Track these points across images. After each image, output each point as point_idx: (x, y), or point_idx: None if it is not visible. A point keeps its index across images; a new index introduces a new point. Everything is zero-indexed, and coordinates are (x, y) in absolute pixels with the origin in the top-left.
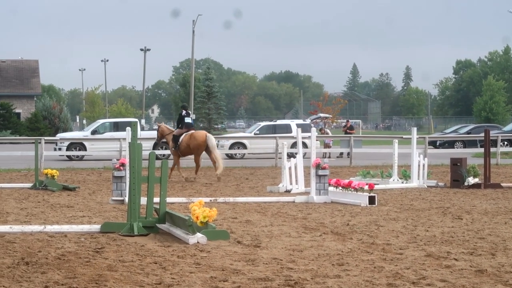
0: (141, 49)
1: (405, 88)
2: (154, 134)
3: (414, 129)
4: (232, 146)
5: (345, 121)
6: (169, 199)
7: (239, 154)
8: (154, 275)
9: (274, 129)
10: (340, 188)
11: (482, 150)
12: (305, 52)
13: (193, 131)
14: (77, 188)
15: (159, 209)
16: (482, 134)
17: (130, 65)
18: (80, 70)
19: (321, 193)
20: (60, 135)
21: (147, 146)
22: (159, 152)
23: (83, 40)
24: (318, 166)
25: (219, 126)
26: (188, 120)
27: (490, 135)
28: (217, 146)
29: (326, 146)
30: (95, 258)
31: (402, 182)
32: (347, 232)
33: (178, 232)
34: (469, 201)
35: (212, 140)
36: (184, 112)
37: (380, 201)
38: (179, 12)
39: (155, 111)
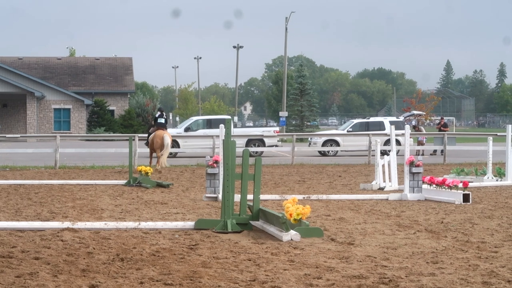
0: (234, 47)
1: (499, 85)
2: (247, 131)
3: (509, 126)
4: (324, 144)
5: (439, 118)
6: (262, 196)
7: (331, 151)
8: (248, 272)
9: (367, 127)
10: (434, 185)
11: None
12: (398, 49)
13: (160, 130)
14: (171, 185)
15: (252, 206)
16: None
17: (223, 62)
18: (173, 67)
19: (414, 191)
20: None
21: (240, 143)
22: (252, 149)
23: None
24: (412, 164)
25: (312, 123)
26: (160, 120)
27: None
28: (311, 143)
29: (420, 143)
30: (189, 255)
31: (497, 180)
32: (441, 230)
33: (271, 229)
34: None
35: (167, 139)
36: (159, 113)
37: (475, 199)
38: (271, 9)
39: (248, 108)
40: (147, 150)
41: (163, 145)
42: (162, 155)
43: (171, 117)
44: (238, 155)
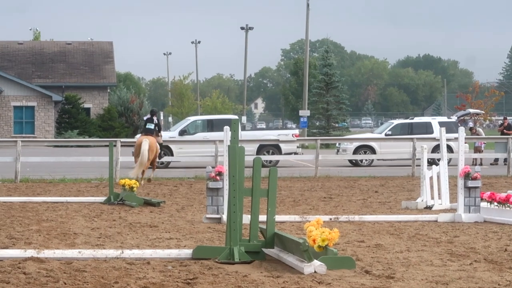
0: (242, 28)
1: None
2: (259, 135)
3: None
4: (356, 150)
5: (502, 118)
6: (278, 217)
7: (365, 160)
8: None
9: (411, 129)
10: (496, 203)
11: None
12: (449, 32)
13: (143, 137)
14: (162, 203)
15: (266, 230)
16: None
17: (228, 48)
18: (165, 54)
19: (471, 210)
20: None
21: (250, 150)
22: (266, 158)
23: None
24: (467, 176)
25: (341, 124)
26: (149, 125)
27: None
28: (339, 149)
29: (477, 150)
30: None
31: None
32: (504, 260)
33: (290, 258)
34: None
35: (144, 145)
36: (148, 116)
37: None
38: None
39: (259, 105)
40: (130, 158)
41: (138, 151)
42: (137, 163)
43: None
44: (247, 165)
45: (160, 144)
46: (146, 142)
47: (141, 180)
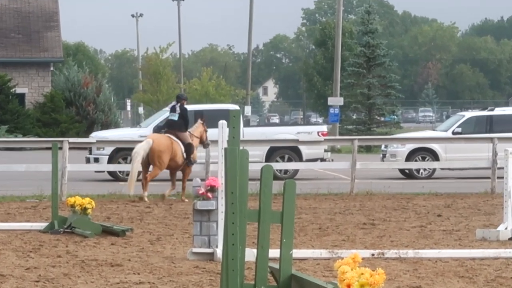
0: None
1: None
2: (270, 132)
3: None
4: (411, 156)
5: None
6: (297, 252)
7: (424, 170)
8: None
9: (490, 124)
10: None
11: None
12: None
13: (168, 134)
14: (129, 231)
15: (279, 271)
16: None
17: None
18: (133, 16)
19: None
20: (97, 135)
21: (258, 154)
22: (279, 166)
23: None
24: None
25: (389, 118)
26: (171, 116)
27: None
28: (386, 154)
29: None
30: None
31: None
32: None
33: None
34: None
35: (139, 147)
36: (172, 103)
37: None
38: None
39: (271, 90)
40: (86, 167)
41: (149, 155)
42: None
43: (128, 107)
44: (252, 177)
45: (187, 145)
46: (146, 143)
47: (144, 196)
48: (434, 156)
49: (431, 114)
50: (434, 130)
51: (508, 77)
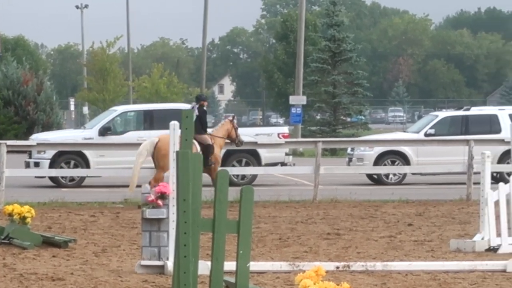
0: None
1: None
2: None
3: None
4: (380, 159)
5: None
6: (255, 265)
7: (394, 175)
8: None
9: (466, 125)
10: None
11: None
12: None
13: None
14: (72, 242)
15: (235, 285)
16: None
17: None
18: (78, 8)
19: None
20: (37, 137)
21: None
22: (236, 171)
23: None
24: None
25: (356, 118)
26: None
27: None
28: (352, 158)
29: None
30: None
31: None
32: None
33: None
34: None
35: (143, 146)
36: (191, 105)
37: None
38: None
39: (227, 88)
40: (25, 172)
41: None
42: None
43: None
44: (206, 183)
45: (206, 146)
46: (150, 142)
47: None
48: (405, 160)
49: (401, 114)
50: (405, 131)
51: (486, 74)
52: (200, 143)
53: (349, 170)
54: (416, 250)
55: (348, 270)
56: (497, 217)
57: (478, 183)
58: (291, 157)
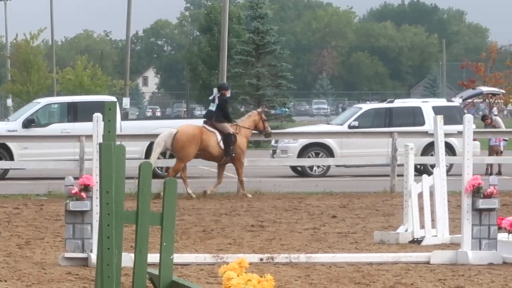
0: None
1: None
2: (150, 127)
3: None
4: (304, 152)
5: None
6: (179, 257)
7: (318, 167)
8: None
9: (389, 118)
10: None
11: None
12: None
13: (204, 124)
14: None
15: (159, 277)
16: None
17: None
18: None
19: (483, 246)
20: None
21: (136, 150)
22: (161, 163)
23: None
24: (477, 192)
25: (280, 110)
26: (211, 107)
27: None
28: (276, 150)
29: (494, 150)
30: None
31: None
32: None
33: None
34: None
35: (161, 137)
36: (213, 95)
37: None
38: None
39: (151, 80)
40: None
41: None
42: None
43: None
44: (130, 175)
45: (227, 135)
46: (168, 133)
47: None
48: (329, 152)
49: (325, 106)
50: (328, 123)
51: (410, 66)
52: (220, 132)
53: (273, 162)
54: (340, 242)
55: (272, 262)
56: (421, 209)
57: (402, 175)
58: None
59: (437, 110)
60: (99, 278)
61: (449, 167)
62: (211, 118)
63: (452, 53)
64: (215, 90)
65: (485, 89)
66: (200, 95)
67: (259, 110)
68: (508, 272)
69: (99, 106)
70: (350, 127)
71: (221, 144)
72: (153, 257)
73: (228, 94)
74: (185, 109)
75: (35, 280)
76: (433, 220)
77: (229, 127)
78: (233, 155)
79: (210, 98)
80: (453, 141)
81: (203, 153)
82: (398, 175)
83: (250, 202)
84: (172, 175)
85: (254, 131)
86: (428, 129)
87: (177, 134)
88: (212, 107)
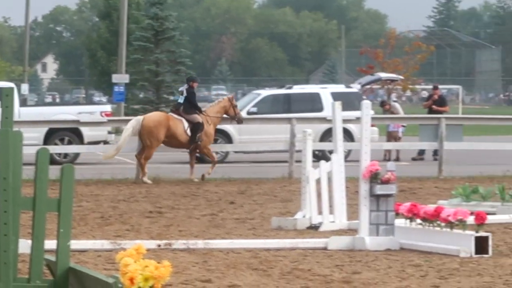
0: None
1: None
2: (48, 113)
3: None
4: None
5: (431, 87)
6: (76, 244)
7: (217, 153)
8: None
9: (288, 104)
10: (419, 221)
11: None
12: None
13: (171, 113)
14: None
15: (56, 263)
16: None
17: None
18: None
19: (380, 231)
20: None
21: (34, 137)
22: (58, 149)
23: None
24: (375, 178)
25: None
26: (179, 100)
27: None
28: None
29: (392, 136)
30: None
31: None
32: None
33: None
34: None
35: (129, 123)
36: (183, 87)
37: (499, 247)
38: None
39: (50, 67)
40: None
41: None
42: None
43: None
44: (27, 162)
45: (195, 125)
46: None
47: (142, 176)
48: (227, 138)
49: (225, 92)
50: None
51: (309, 53)
52: (189, 122)
53: (172, 149)
54: (237, 228)
55: (169, 248)
56: (319, 195)
57: (300, 161)
58: (114, 135)
59: (335, 96)
60: None
61: (347, 153)
62: (178, 109)
63: (351, 40)
64: (185, 85)
65: (383, 75)
66: (99, 81)
67: (230, 96)
68: (405, 258)
69: None
70: (248, 113)
71: (188, 131)
72: (50, 244)
73: (195, 85)
74: (83, 95)
75: None
76: (330, 206)
77: (197, 117)
78: (199, 142)
79: (179, 89)
80: (351, 127)
81: (170, 140)
82: (296, 161)
83: (149, 189)
84: (144, 164)
85: (225, 116)
86: (326, 115)
87: (144, 120)
88: (181, 99)
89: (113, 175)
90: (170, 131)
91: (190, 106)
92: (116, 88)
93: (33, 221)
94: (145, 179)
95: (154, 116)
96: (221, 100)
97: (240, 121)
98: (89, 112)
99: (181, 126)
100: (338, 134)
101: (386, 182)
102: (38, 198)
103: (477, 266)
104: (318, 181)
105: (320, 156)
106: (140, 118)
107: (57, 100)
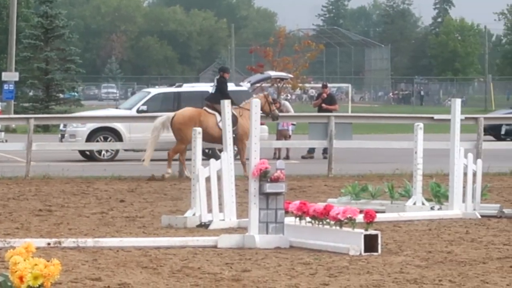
0: None
1: (440, 21)
2: None
3: (457, 102)
4: (92, 136)
5: (321, 85)
6: None
7: (107, 151)
8: None
9: (178, 102)
10: (309, 219)
11: None
12: None
13: (205, 107)
14: None
15: None
16: None
17: None
18: None
19: (270, 230)
20: None
21: None
22: None
23: None
24: (264, 176)
25: (69, 95)
26: (212, 90)
27: None
28: (65, 135)
29: (282, 135)
30: None
31: (432, 208)
32: None
33: None
34: None
35: (157, 120)
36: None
37: (388, 245)
38: None
39: None
40: None
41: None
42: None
43: None
44: None
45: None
46: (165, 117)
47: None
48: (118, 137)
49: (115, 90)
50: (117, 108)
51: (199, 51)
52: (220, 114)
53: (61, 147)
54: (127, 226)
55: (59, 246)
56: (209, 193)
57: (190, 160)
58: (3, 133)
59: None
60: None
61: (237, 151)
62: (210, 101)
63: (241, 38)
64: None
65: (273, 73)
66: None
67: (265, 93)
68: (294, 256)
69: None
70: (138, 111)
71: (220, 125)
72: None
73: (227, 76)
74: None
75: None
76: (220, 204)
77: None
78: (233, 136)
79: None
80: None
81: (203, 135)
82: (186, 159)
83: (38, 187)
84: (172, 156)
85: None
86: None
87: (174, 117)
88: (212, 90)
89: (2, 173)
90: (201, 127)
91: (220, 95)
92: (5, 86)
93: None
94: (166, 173)
95: (184, 112)
96: (256, 96)
97: (275, 118)
98: None
99: (213, 120)
100: (228, 133)
101: (276, 180)
102: None
103: (367, 264)
104: (208, 179)
105: (210, 154)
106: (170, 114)
107: None
